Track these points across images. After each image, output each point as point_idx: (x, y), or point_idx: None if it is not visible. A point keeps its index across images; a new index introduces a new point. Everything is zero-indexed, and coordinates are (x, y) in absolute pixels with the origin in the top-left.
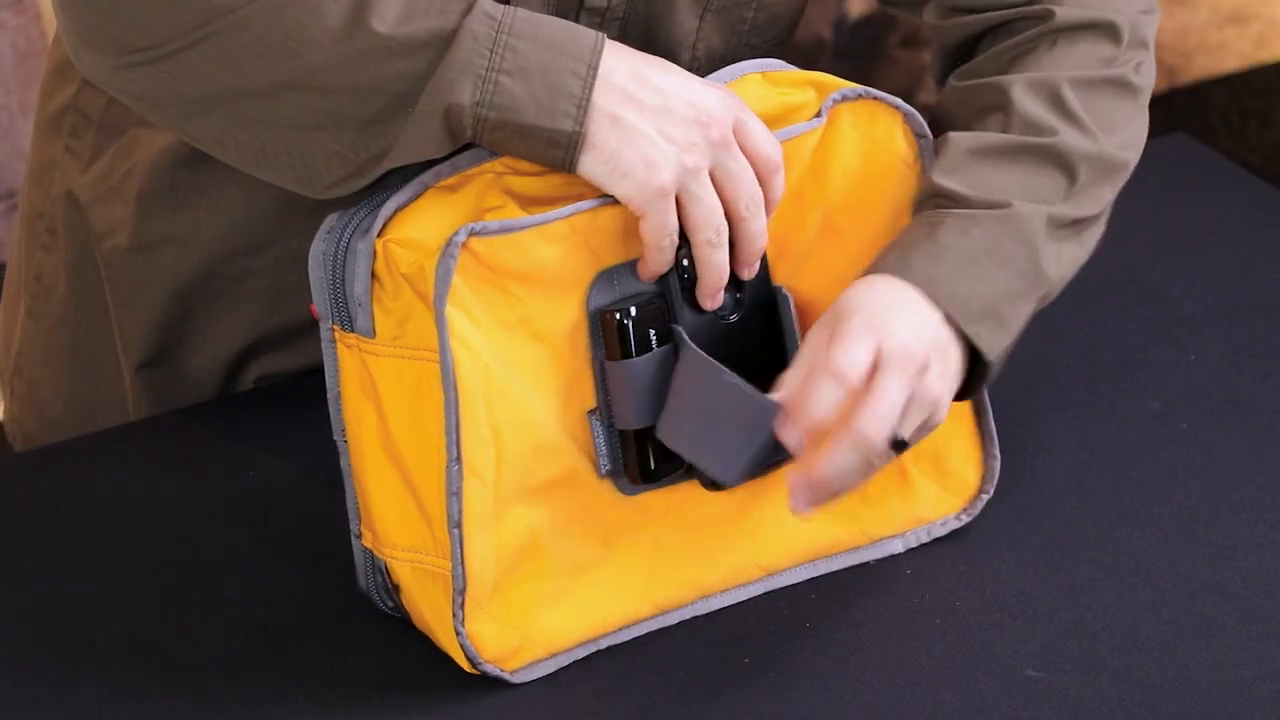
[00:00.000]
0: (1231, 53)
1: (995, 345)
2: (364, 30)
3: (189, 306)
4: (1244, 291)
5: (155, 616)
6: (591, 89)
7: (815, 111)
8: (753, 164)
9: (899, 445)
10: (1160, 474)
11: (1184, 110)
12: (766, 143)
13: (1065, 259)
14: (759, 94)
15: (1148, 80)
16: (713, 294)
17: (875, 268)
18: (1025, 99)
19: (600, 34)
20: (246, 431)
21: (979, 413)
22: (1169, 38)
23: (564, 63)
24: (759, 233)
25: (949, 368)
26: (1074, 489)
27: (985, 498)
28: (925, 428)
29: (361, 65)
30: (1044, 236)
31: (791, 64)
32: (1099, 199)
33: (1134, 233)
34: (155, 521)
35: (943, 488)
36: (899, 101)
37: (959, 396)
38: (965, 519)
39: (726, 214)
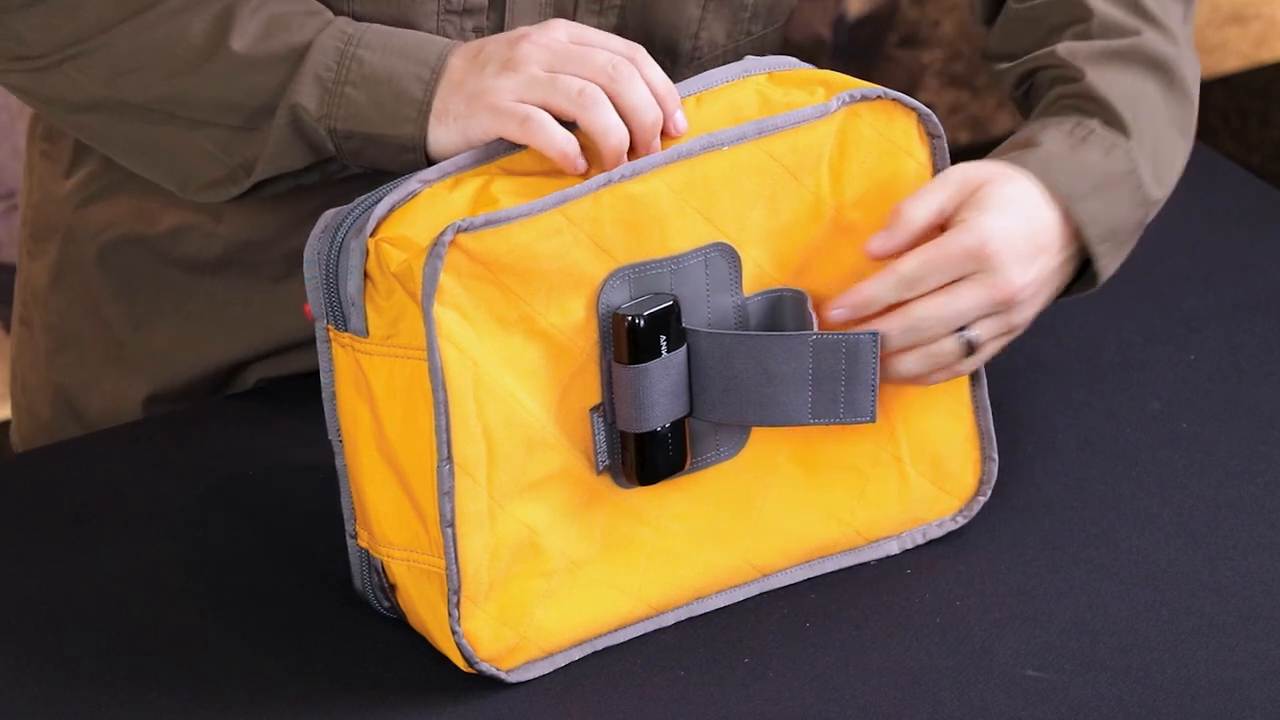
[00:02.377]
0: (1231, 53)
1: (1111, 266)
2: (224, 50)
3: (202, 295)
4: (1244, 291)
5: (154, 616)
6: (434, 92)
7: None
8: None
9: (970, 348)
10: (1160, 474)
11: None
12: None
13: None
14: (759, 99)
15: None
16: (614, 159)
17: (1015, 161)
18: (1103, 5)
19: (451, 41)
20: (246, 431)
21: (979, 415)
22: None
23: (409, 69)
24: (639, 103)
25: (1049, 291)
26: (1074, 489)
27: (982, 500)
28: (1003, 336)
29: (223, 81)
30: (1164, 160)
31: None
32: (1192, 100)
33: None
34: (154, 521)
35: (939, 489)
36: (915, 102)
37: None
38: (961, 521)
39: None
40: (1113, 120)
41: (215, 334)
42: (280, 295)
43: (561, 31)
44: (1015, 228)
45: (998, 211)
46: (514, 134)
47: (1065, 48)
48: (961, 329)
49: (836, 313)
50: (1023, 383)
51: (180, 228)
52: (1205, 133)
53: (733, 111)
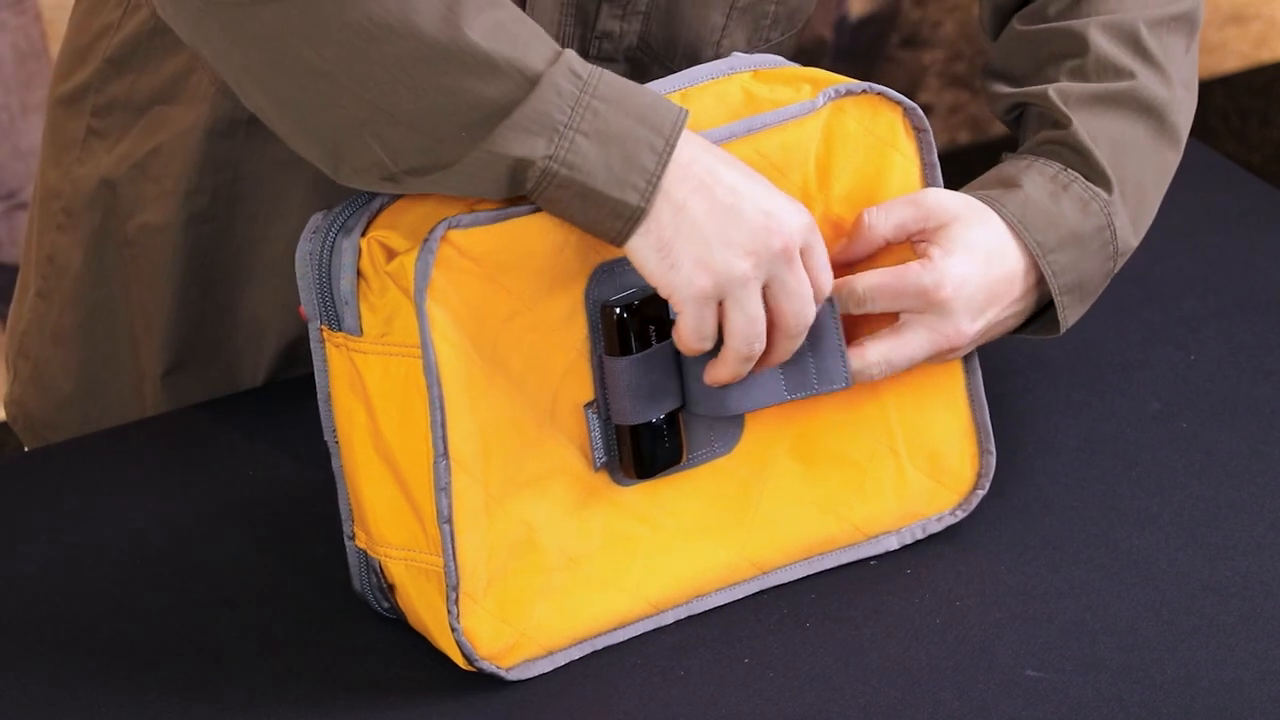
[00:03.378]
0: (1231, 53)
1: (1073, 316)
2: (455, 33)
3: (211, 281)
4: (1244, 291)
5: (154, 616)
6: (665, 167)
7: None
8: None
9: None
10: (1160, 474)
11: None
12: (823, 274)
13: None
14: (744, 96)
15: (1202, 17)
16: (713, 378)
17: (993, 200)
18: (1103, 42)
19: (682, 110)
20: (246, 431)
21: (974, 409)
22: None
23: (642, 134)
24: (789, 352)
25: (992, 335)
26: (1074, 489)
27: (980, 494)
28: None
29: (436, 71)
30: (1139, 213)
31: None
32: (1180, 144)
33: None
34: (155, 521)
35: (938, 483)
36: (900, 96)
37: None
38: (961, 515)
39: (771, 327)
40: (1094, 174)
41: (227, 318)
42: (283, 277)
43: (799, 248)
44: (974, 276)
45: (961, 256)
46: (681, 312)
47: (1058, 90)
48: None
49: None
50: (1023, 383)
51: (187, 214)
52: (1205, 133)
53: (719, 108)
